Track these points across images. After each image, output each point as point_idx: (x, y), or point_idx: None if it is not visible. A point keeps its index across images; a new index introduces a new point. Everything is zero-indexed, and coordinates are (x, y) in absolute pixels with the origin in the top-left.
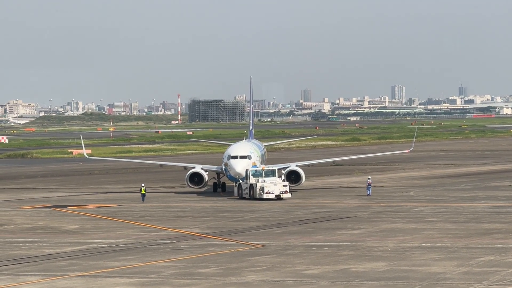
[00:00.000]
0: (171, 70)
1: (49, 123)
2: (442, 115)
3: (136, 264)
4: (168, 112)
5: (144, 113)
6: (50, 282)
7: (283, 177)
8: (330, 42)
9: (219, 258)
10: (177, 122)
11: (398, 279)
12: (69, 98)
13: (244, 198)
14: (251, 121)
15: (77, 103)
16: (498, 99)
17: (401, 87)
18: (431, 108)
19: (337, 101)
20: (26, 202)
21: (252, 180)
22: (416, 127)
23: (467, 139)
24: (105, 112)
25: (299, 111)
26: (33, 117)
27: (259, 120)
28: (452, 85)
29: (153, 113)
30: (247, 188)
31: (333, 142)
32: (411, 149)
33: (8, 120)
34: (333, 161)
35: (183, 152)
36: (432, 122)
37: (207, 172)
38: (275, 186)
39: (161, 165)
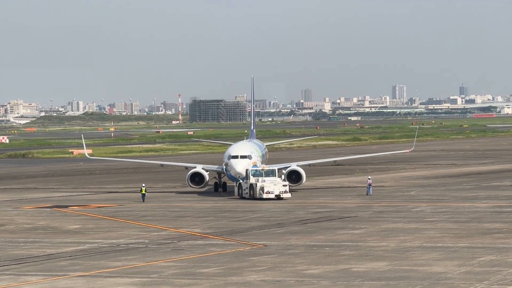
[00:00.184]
0: (172, 69)
1: (49, 123)
2: (443, 114)
3: (137, 264)
4: (169, 112)
5: (145, 113)
6: (51, 282)
7: (283, 176)
8: (331, 41)
9: (220, 258)
10: (178, 122)
11: (399, 279)
12: (70, 98)
13: (244, 198)
14: (252, 121)
15: (77, 103)
16: (499, 98)
17: (402, 87)
18: (432, 107)
19: (338, 101)
20: (27, 202)
21: (252, 180)
22: (417, 126)
23: (468, 138)
24: (106, 112)
25: (300, 111)
26: (34, 117)
27: (260, 120)
28: (453, 85)
29: (154, 113)
30: (247, 188)
31: (334, 142)
32: (412, 149)
33: (8, 120)
34: (334, 161)
35: (184, 152)
36: (433, 121)
37: (208, 172)
38: (275, 186)
39: (162, 165)
